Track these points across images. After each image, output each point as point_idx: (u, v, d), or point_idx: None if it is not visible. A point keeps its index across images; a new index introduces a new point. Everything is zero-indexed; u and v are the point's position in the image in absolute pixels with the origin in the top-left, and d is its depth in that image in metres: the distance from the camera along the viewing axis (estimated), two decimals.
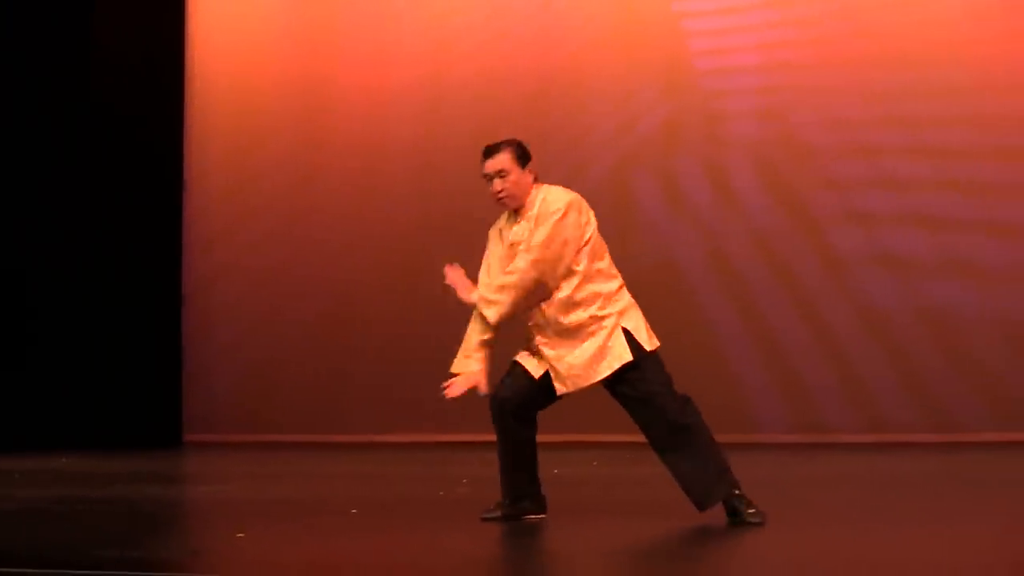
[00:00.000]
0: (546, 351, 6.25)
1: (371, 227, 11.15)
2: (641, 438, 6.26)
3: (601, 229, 6.16)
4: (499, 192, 6.27)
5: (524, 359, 6.34)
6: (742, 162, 10.91)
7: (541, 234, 6.14)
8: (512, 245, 6.28)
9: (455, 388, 6.26)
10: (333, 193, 11.22)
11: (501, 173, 6.24)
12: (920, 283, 10.55)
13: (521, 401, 6.32)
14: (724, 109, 11.03)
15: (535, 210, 6.21)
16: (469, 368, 6.24)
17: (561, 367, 6.21)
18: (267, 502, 7.49)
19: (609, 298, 6.23)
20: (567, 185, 6.24)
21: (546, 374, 6.27)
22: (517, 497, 6.46)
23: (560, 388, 6.26)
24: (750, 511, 6.07)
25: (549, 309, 6.20)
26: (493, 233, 6.46)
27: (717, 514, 6.09)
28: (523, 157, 6.29)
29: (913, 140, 10.73)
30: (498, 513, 6.45)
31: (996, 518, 6.43)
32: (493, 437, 10.55)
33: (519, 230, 6.27)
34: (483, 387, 6.26)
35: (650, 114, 11.06)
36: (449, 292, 6.47)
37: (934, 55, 10.73)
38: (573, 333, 6.19)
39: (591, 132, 11.13)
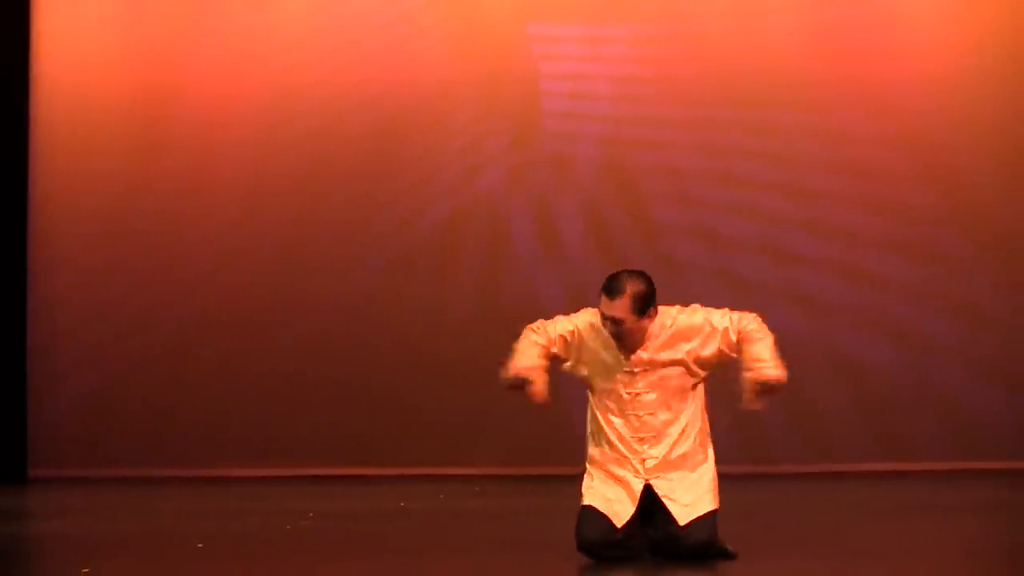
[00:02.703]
0: (656, 484, 6.02)
1: (219, 248, 11.07)
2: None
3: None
4: (613, 333, 6.06)
5: (603, 502, 6.04)
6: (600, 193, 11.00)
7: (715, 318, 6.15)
8: (629, 372, 6.07)
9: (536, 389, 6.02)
10: (182, 215, 11.11)
11: (616, 320, 6.02)
12: (760, 309, 10.75)
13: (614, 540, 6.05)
14: (572, 152, 11.12)
15: (665, 333, 6.08)
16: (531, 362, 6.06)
17: (677, 499, 6.00)
18: (113, 537, 7.45)
19: (708, 435, 6.19)
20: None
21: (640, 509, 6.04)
22: None
23: (680, 519, 5.97)
24: None
25: (662, 439, 6.04)
26: (589, 329, 6.18)
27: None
28: (642, 308, 6.03)
29: (775, 176, 10.99)
30: None
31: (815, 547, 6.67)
32: (340, 470, 10.62)
33: (640, 360, 6.07)
34: (539, 390, 6.03)
35: (495, 163, 11.18)
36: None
37: (797, 92, 11.01)
38: (682, 463, 6.07)
39: (437, 174, 11.19)
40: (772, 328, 6.39)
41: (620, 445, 6.07)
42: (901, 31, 11.09)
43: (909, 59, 11.00)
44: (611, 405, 6.10)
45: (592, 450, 6.17)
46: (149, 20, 11.23)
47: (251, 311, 10.95)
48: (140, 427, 10.88)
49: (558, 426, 9.87)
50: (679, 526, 5.95)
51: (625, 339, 6.04)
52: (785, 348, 10.70)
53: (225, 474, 10.58)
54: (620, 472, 6.06)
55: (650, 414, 6.03)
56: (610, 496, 6.04)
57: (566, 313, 6.32)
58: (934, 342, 10.83)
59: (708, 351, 6.11)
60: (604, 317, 6.04)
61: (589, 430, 6.22)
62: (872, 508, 8.50)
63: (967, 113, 10.93)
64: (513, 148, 11.06)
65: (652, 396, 6.04)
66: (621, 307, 5.98)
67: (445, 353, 10.69)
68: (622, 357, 6.07)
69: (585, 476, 6.17)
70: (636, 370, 6.05)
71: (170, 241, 11.07)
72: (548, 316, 6.33)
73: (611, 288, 6.01)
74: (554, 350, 6.15)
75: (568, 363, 6.20)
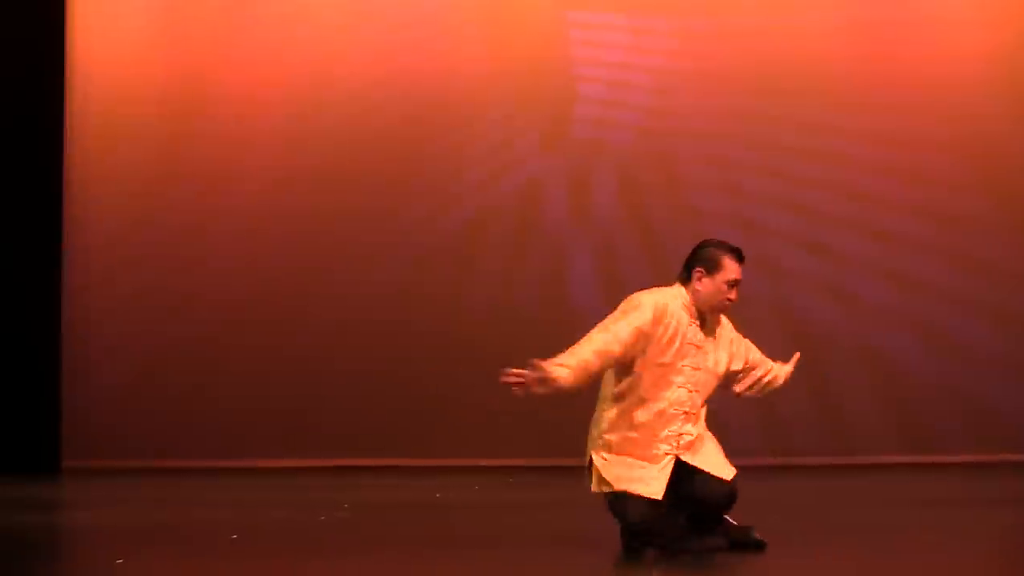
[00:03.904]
0: (685, 457, 6.11)
1: (249, 237, 11.13)
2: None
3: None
4: (729, 301, 6.20)
5: (637, 484, 6.09)
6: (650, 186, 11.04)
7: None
8: (694, 345, 6.16)
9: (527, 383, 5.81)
10: (212, 204, 11.17)
11: (738, 284, 6.22)
12: (792, 298, 10.80)
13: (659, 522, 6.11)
14: (609, 139, 11.15)
15: (722, 329, 6.26)
16: (556, 371, 5.84)
17: (708, 463, 6.15)
18: (147, 528, 7.45)
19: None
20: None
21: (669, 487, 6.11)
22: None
23: (725, 475, 6.12)
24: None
25: (699, 418, 6.21)
26: (666, 308, 6.14)
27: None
28: None
29: (814, 170, 11.06)
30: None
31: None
32: (374, 461, 10.67)
33: (701, 336, 6.18)
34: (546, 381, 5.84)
35: (530, 153, 11.19)
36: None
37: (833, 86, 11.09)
38: (704, 440, 6.21)
39: (471, 163, 11.21)
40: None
41: (657, 423, 6.07)
42: (946, 30, 11.08)
43: (953, 61, 11.00)
44: (671, 379, 6.10)
45: (610, 436, 6.12)
46: (182, 12, 11.30)
47: (286, 299, 10.98)
48: (172, 418, 10.94)
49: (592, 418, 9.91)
50: (716, 479, 6.05)
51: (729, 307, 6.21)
52: (816, 340, 10.79)
53: (258, 465, 10.63)
54: (649, 452, 6.07)
55: (696, 391, 6.14)
56: (636, 476, 6.05)
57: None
58: (959, 338, 10.88)
59: (728, 355, 6.28)
60: (732, 284, 6.12)
61: (605, 416, 6.17)
62: (896, 500, 8.54)
63: (1011, 115, 10.95)
64: (549, 137, 11.07)
65: (699, 375, 6.15)
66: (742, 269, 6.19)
67: (480, 344, 10.65)
68: (700, 333, 6.17)
69: (597, 462, 6.14)
70: (705, 345, 6.17)
71: (201, 230, 11.12)
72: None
73: (740, 253, 6.16)
74: (618, 351, 6.03)
75: (629, 354, 6.09)
